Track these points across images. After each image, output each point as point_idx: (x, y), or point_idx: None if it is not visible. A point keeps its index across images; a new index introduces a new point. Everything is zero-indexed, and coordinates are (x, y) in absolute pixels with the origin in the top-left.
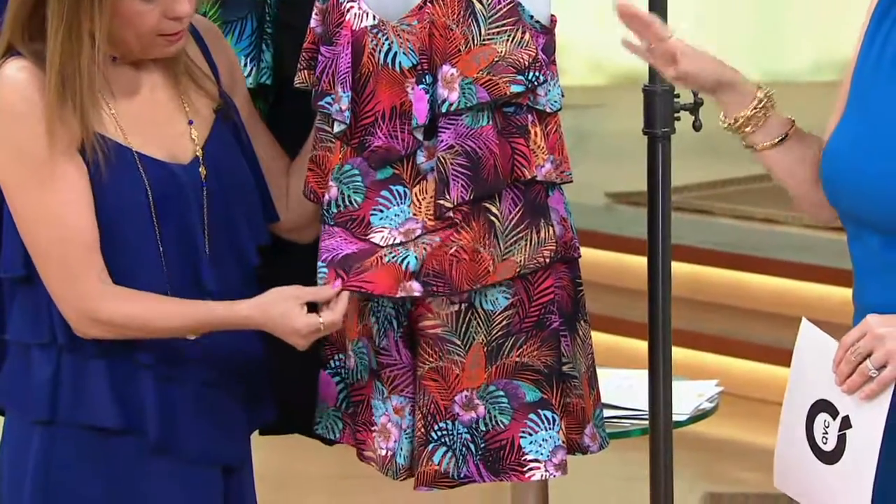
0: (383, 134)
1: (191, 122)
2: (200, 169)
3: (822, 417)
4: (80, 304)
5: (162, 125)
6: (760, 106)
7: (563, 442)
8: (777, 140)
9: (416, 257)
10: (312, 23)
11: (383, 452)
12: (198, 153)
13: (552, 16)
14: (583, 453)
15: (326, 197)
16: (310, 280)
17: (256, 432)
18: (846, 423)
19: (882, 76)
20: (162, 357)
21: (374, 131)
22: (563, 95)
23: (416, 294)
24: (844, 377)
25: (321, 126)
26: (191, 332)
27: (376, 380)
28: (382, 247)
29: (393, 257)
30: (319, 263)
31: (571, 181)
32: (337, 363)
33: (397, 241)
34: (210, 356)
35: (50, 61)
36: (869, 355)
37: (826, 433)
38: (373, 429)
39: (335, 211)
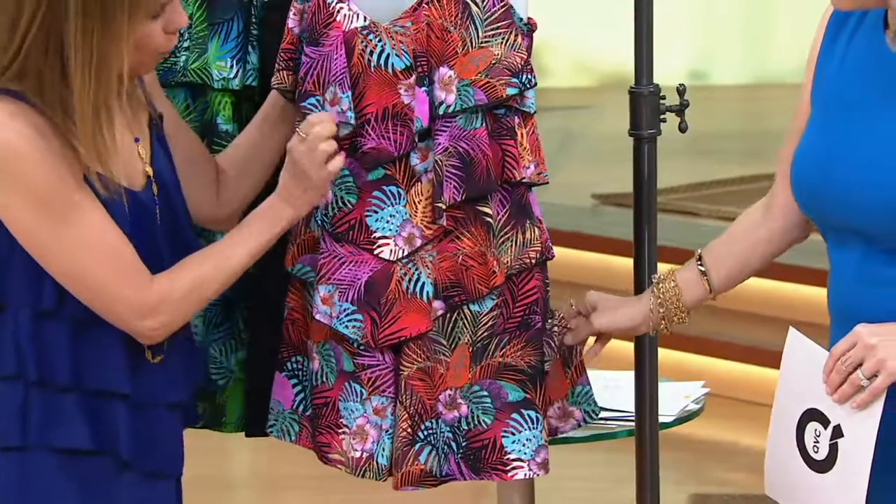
0: (375, 135)
1: (137, 140)
2: (153, 188)
3: (813, 426)
4: (153, 305)
5: (120, 149)
6: (659, 298)
7: (546, 441)
8: (704, 279)
9: (430, 282)
10: (290, 23)
11: (357, 454)
12: (148, 172)
13: (530, 18)
14: (553, 434)
15: (322, 201)
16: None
17: (242, 434)
18: (838, 433)
19: (846, 86)
20: (133, 388)
21: (366, 133)
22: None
23: (441, 313)
24: (835, 387)
25: None
26: (253, 253)
27: (350, 381)
28: (393, 262)
29: (409, 283)
30: (347, 305)
31: (548, 182)
32: (294, 365)
33: (405, 253)
34: (174, 381)
35: (80, 98)
36: (860, 365)
37: (817, 442)
38: (340, 431)
39: (332, 214)
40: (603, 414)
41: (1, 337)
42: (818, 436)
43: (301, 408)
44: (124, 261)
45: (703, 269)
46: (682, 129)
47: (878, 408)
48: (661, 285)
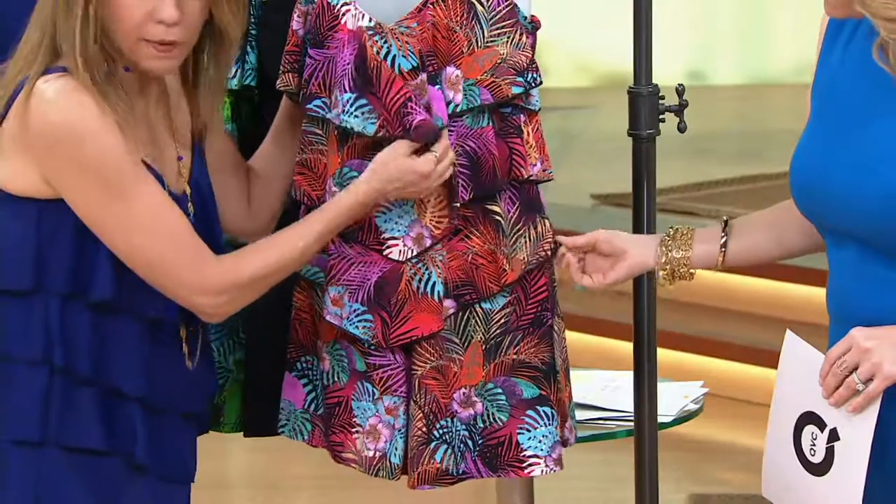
0: (420, 108)
1: (181, 158)
2: (189, 204)
3: (810, 429)
4: (213, 285)
5: (161, 150)
6: (669, 238)
7: (560, 437)
8: (722, 244)
9: (440, 281)
10: (294, 24)
11: (370, 453)
12: (186, 190)
13: (533, 16)
14: (563, 445)
15: None
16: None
17: (241, 434)
18: (834, 436)
19: (842, 88)
20: (150, 391)
21: (411, 109)
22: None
23: (451, 311)
24: (831, 390)
25: (310, 129)
26: (321, 242)
27: (363, 381)
28: (402, 263)
29: (419, 283)
30: (357, 305)
31: (552, 179)
32: (304, 365)
33: (414, 253)
34: (194, 390)
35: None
36: (855, 369)
37: (814, 445)
38: (354, 430)
39: None
40: (602, 414)
41: (29, 320)
42: (815, 439)
43: (313, 407)
44: (182, 236)
45: (724, 238)
46: (681, 129)
47: (873, 411)
48: (672, 242)
